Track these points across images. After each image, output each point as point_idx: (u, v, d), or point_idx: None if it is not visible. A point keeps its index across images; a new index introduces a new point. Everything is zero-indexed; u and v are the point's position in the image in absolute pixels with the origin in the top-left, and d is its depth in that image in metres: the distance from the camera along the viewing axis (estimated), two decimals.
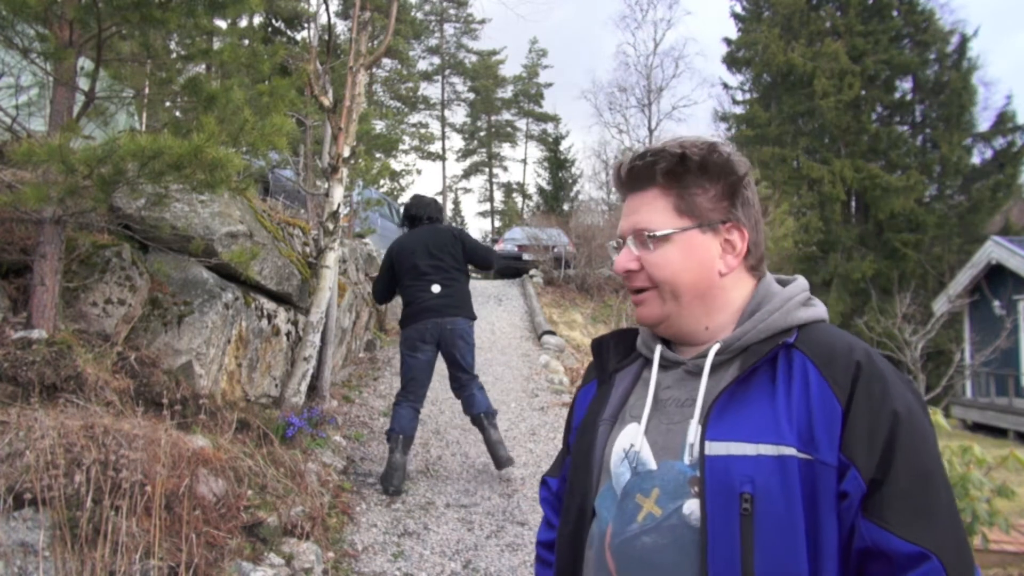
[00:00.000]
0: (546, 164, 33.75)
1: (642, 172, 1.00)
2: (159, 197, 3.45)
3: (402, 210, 4.71)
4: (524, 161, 39.03)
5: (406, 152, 32.03)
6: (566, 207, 29.18)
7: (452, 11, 35.78)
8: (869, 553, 0.82)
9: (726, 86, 24.55)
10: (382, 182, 16.40)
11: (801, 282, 1.02)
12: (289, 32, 19.96)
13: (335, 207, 5.05)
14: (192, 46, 4.14)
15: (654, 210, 0.98)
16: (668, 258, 0.97)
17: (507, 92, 37.57)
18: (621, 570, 0.91)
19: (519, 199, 37.79)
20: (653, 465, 0.93)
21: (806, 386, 0.88)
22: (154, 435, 2.72)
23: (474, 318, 4.54)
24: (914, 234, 19.53)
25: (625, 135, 31.08)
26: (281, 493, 3.27)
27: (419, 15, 33.17)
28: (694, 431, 0.90)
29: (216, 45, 4.56)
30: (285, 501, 3.22)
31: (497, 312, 10.75)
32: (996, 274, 15.16)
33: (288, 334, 4.70)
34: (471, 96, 37.31)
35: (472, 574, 3.31)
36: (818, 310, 0.99)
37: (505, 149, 39.93)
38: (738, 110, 24.06)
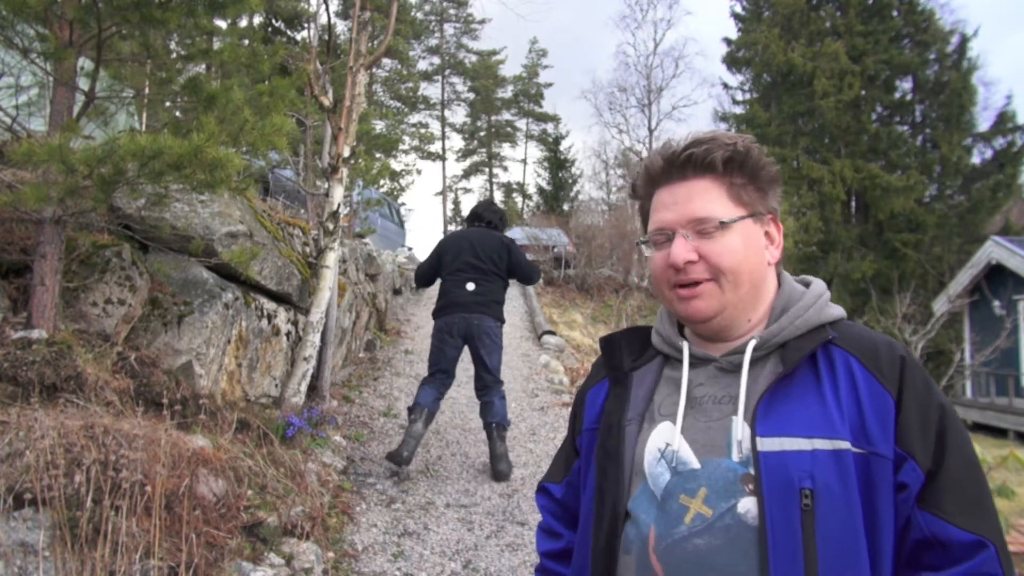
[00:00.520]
0: (546, 164, 33.76)
1: (699, 159, 0.96)
2: (159, 197, 3.45)
3: (470, 209, 5.01)
4: (524, 161, 39.05)
5: (406, 152, 32.05)
6: (566, 207, 29.19)
7: (452, 11, 35.79)
8: (926, 543, 0.83)
9: (726, 86, 24.56)
10: (382, 182, 16.41)
11: (821, 282, 1.03)
12: (289, 32, 19.96)
13: (335, 207, 5.05)
14: (192, 46, 4.14)
15: (711, 199, 0.96)
16: (733, 247, 0.95)
17: (507, 92, 37.58)
18: (671, 574, 0.88)
19: (519, 199, 37.80)
20: (696, 464, 0.91)
21: (852, 381, 0.88)
22: (154, 435, 2.72)
23: (502, 321, 4.68)
24: (914, 234, 19.52)
25: (625, 135, 31.16)
26: (281, 493, 3.27)
27: (419, 15, 33.17)
28: (741, 428, 0.89)
29: (216, 45, 4.56)
30: (285, 501, 3.22)
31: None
32: (996, 274, 15.16)
33: (288, 334, 4.70)
34: (471, 96, 37.32)
35: (472, 574, 3.31)
36: (841, 309, 1.00)
37: (505, 149, 39.96)
38: (738, 110, 24.05)
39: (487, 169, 38.55)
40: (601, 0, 62.59)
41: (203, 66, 6.85)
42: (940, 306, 15.38)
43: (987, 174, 19.70)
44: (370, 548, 3.45)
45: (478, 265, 4.55)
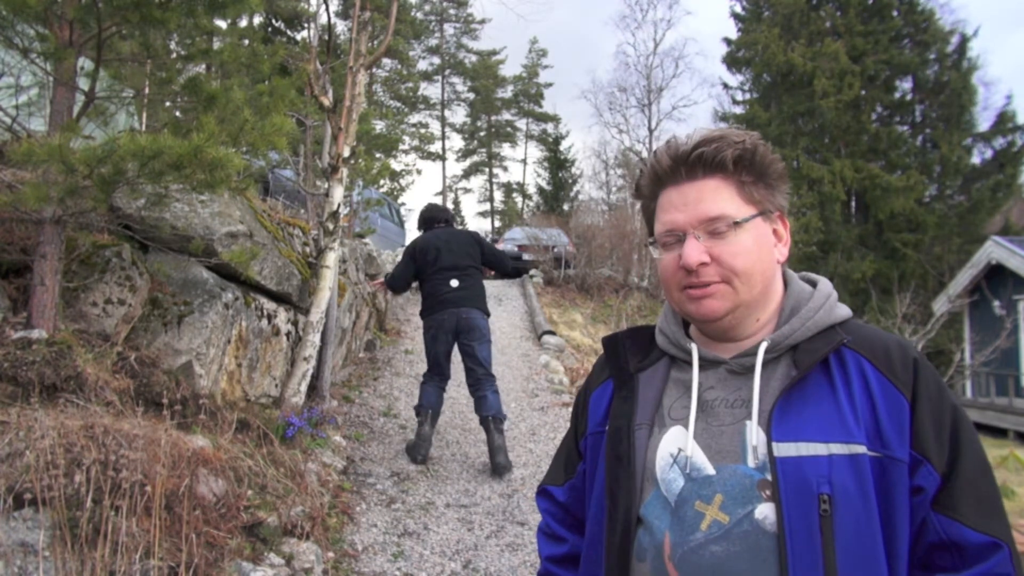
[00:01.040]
0: (546, 164, 33.76)
1: (709, 158, 0.94)
2: (159, 197, 3.45)
3: (419, 216, 5.23)
4: (524, 161, 39.03)
5: (406, 152, 32.02)
6: (566, 207, 29.19)
7: (452, 11, 35.78)
8: (941, 546, 0.83)
9: (726, 86, 24.54)
10: (382, 182, 16.41)
11: (828, 282, 1.02)
12: (289, 32, 19.95)
13: (335, 207, 5.05)
14: (192, 46, 4.14)
15: (722, 198, 0.94)
16: (745, 246, 0.93)
17: (507, 92, 37.56)
18: None
19: (519, 199, 37.80)
20: (711, 470, 0.89)
21: (865, 384, 0.88)
22: (154, 435, 2.72)
23: (488, 314, 4.90)
24: (914, 234, 19.51)
25: (625, 135, 31.13)
26: (281, 493, 3.27)
27: (419, 15, 33.17)
28: (755, 433, 0.88)
29: (216, 45, 4.56)
30: (285, 501, 3.22)
31: (497, 312, 10.74)
32: (996, 274, 15.16)
33: (288, 334, 4.70)
34: (471, 96, 37.31)
35: (472, 574, 3.31)
36: (848, 309, 0.99)
37: (505, 149, 39.95)
38: (738, 110, 24.03)
39: (487, 169, 38.56)
40: (601, 0, 62.61)
41: (203, 66, 6.85)
42: (940, 306, 15.38)
43: (987, 174, 19.69)
44: (370, 548, 3.45)
45: (456, 263, 4.77)
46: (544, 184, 33.40)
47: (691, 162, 0.95)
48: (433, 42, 35.77)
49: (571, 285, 14.03)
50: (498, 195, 38.43)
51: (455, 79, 37.19)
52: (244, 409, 3.94)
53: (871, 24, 20.61)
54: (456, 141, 42.53)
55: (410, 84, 32.07)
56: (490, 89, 36.04)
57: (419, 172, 45.78)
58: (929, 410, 0.86)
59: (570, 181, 32.78)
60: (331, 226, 5.01)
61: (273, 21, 19.57)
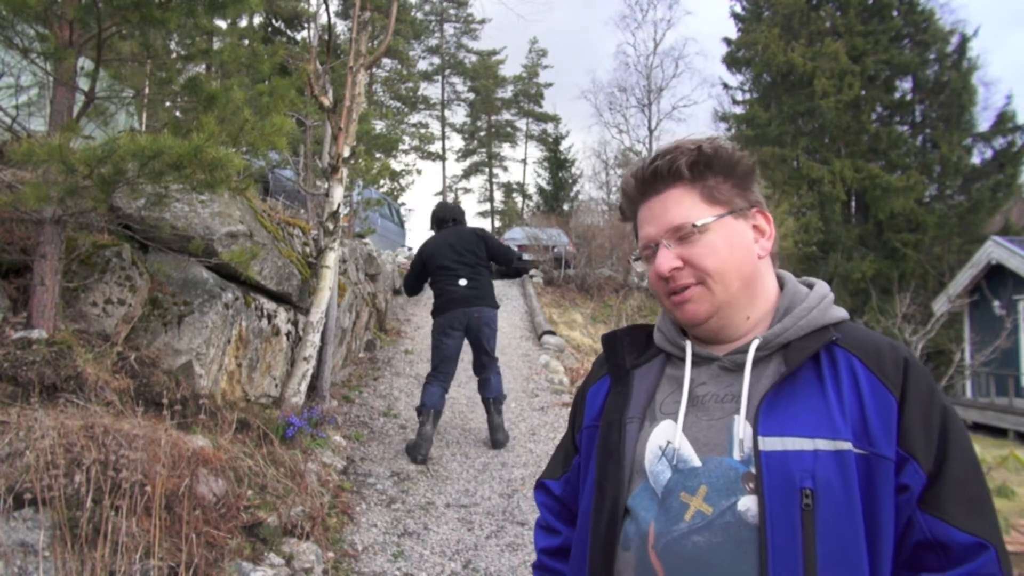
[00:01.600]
0: (546, 164, 33.75)
1: (664, 170, 0.99)
2: (159, 197, 3.45)
3: (430, 216, 5.41)
4: (524, 161, 39.02)
5: (406, 152, 32.03)
6: (566, 207, 29.18)
7: (452, 11, 35.78)
8: (926, 545, 0.83)
9: (726, 86, 24.55)
10: (382, 182, 16.40)
11: (825, 284, 1.04)
12: (289, 32, 19.96)
13: (335, 207, 5.05)
14: (192, 46, 4.14)
15: (684, 205, 0.98)
16: (714, 247, 0.96)
17: (507, 92, 37.56)
18: (670, 571, 0.88)
19: (519, 199, 37.79)
20: (697, 462, 0.91)
21: (855, 382, 0.89)
22: (154, 435, 2.72)
23: (497, 306, 5.11)
24: (914, 234, 19.52)
25: (625, 135, 31.16)
26: (281, 493, 3.27)
27: (419, 15, 33.17)
28: (743, 427, 0.89)
29: (216, 45, 4.56)
30: (285, 501, 3.22)
31: (497, 312, 10.74)
32: (996, 274, 15.16)
33: (288, 334, 4.70)
34: (471, 96, 37.31)
35: (472, 574, 3.31)
36: (844, 311, 1.00)
37: (505, 149, 39.92)
38: (738, 110, 24.04)
39: (487, 169, 38.55)
40: (601, 0, 62.59)
41: (203, 66, 6.86)
42: (940, 306, 15.38)
43: (987, 174, 19.69)
44: (370, 548, 3.45)
45: (464, 261, 4.94)
46: (544, 184, 33.41)
47: (650, 178, 1.00)
48: (433, 42, 35.78)
49: (571, 285, 14.04)
50: (498, 195, 38.45)
51: (455, 79, 37.22)
52: (244, 409, 3.94)
53: (871, 24, 20.61)
54: (456, 141, 42.57)
55: (410, 84, 32.07)
56: (490, 89, 36.05)
57: (419, 172, 45.76)
58: (917, 409, 0.86)
59: (570, 181, 32.79)
60: (331, 226, 5.01)
61: (273, 21, 19.58)
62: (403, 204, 25.33)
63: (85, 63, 3.48)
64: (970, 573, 0.81)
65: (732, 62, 23.83)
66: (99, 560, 2.24)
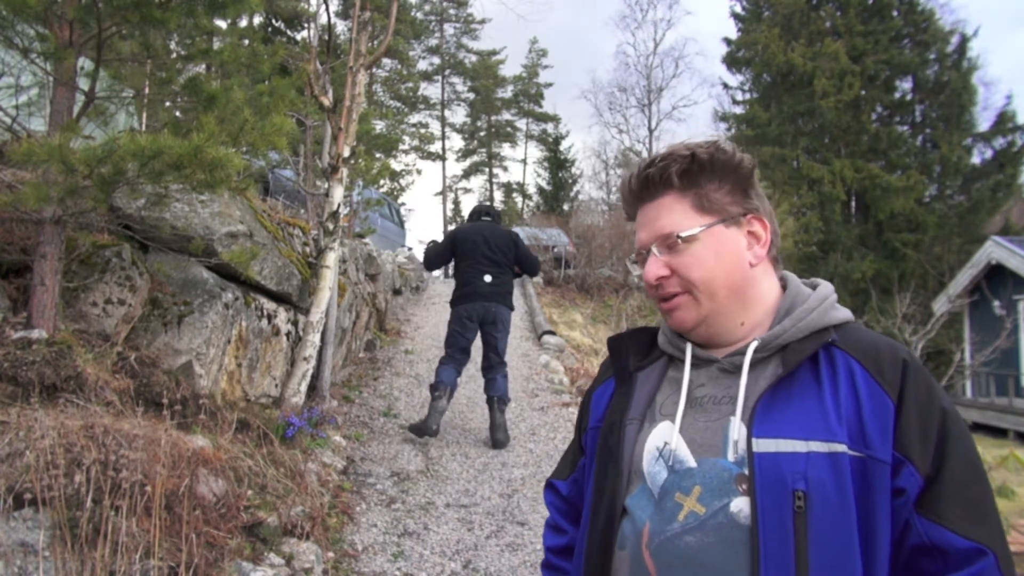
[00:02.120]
0: (546, 164, 33.74)
1: (655, 178, 0.99)
2: (159, 197, 3.45)
3: (470, 210, 5.72)
4: (524, 161, 39.01)
5: (406, 152, 32.02)
6: (566, 207, 29.18)
7: (452, 11, 35.77)
8: (923, 549, 0.82)
9: (726, 86, 24.55)
10: (382, 182, 16.40)
11: (829, 285, 1.03)
12: (289, 32, 19.95)
13: (335, 207, 5.05)
14: (192, 46, 4.14)
15: (674, 213, 0.98)
16: (699, 257, 0.97)
17: (507, 92, 37.55)
18: (662, 571, 0.89)
19: (519, 199, 37.78)
20: (692, 463, 0.92)
21: (852, 384, 0.88)
22: (154, 435, 2.72)
23: (512, 308, 5.31)
24: (914, 234, 19.52)
25: (625, 135, 31.16)
26: (281, 493, 3.27)
27: (419, 15, 33.16)
28: (737, 428, 0.89)
29: (216, 45, 4.56)
30: (285, 501, 3.22)
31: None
32: (996, 274, 15.16)
33: (288, 334, 4.70)
34: (471, 96, 37.30)
35: (472, 574, 3.31)
36: (847, 312, 0.99)
37: (505, 149, 39.90)
38: (738, 110, 24.04)
39: (487, 169, 38.54)
40: (601, 0, 62.59)
41: (203, 66, 6.85)
42: (940, 306, 15.38)
43: (987, 174, 19.69)
44: (370, 548, 3.45)
45: (493, 258, 5.12)
46: (544, 184, 33.41)
47: (643, 184, 1.01)
48: (433, 42, 35.77)
49: (571, 285, 14.04)
50: (498, 195, 38.42)
51: (455, 79, 37.20)
52: (244, 409, 3.94)
53: (871, 24, 20.61)
54: (456, 141, 42.54)
55: (410, 84, 32.06)
56: (490, 89, 36.04)
57: (419, 172, 45.76)
58: (914, 412, 0.85)
59: (570, 181, 32.78)
60: (331, 226, 5.01)
61: (273, 21, 19.58)
62: (403, 204, 25.34)
63: (85, 63, 3.48)
64: None
65: (732, 62, 23.83)
66: (99, 560, 2.24)
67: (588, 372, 7.53)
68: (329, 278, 4.92)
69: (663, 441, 0.96)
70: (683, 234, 0.96)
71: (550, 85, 39.10)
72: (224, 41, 4.64)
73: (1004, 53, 51.26)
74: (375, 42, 7.18)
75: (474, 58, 36.61)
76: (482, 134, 38.17)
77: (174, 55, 4.26)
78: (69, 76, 3.30)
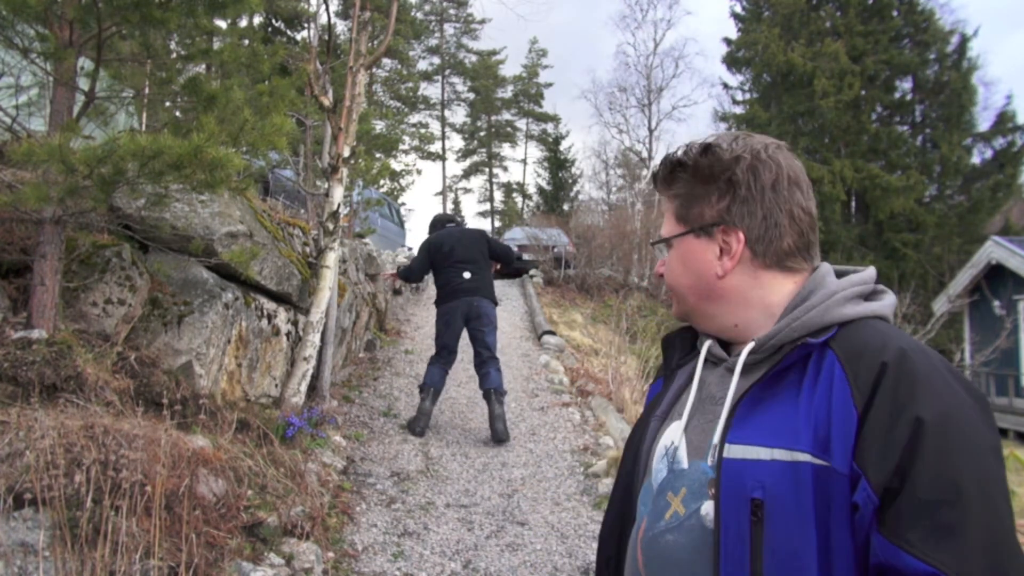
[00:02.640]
0: (546, 164, 33.74)
1: (657, 179, 1.06)
2: (159, 197, 3.45)
3: (430, 223, 6.00)
4: (524, 161, 39.02)
5: (406, 152, 32.01)
6: (566, 207, 29.17)
7: (452, 11, 35.79)
8: (883, 570, 0.76)
9: (726, 86, 24.54)
10: (382, 182, 16.39)
11: (863, 275, 0.95)
12: (289, 32, 19.96)
13: (335, 207, 5.05)
14: (192, 46, 4.14)
15: (665, 216, 1.04)
16: (671, 264, 1.03)
17: (507, 92, 37.56)
18: (647, 565, 0.93)
19: (519, 199, 37.79)
20: (685, 464, 0.93)
21: (829, 388, 0.82)
22: (154, 435, 2.72)
23: (496, 303, 5.51)
24: (914, 234, 19.52)
25: (625, 135, 31.04)
26: (281, 493, 3.27)
27: (419, 15, 33.16)
28: (718, 432, 0.89)
29: (216, 45, 4.56)
30: (285, 501, 3.22)
31: (497, 312, 10.74)
32: (996, 274, 15.15)
33: (288, 334, 4.70)
34: (471, 96, 37.31)
35: (472, 574, 3.31)
36: (874, 305, 0.91)
37: (505, 149, 39.94)
38: (738, 110, 24.03)
39: (487, 169, 38.55)
40: (601, 0, 62.59)
41: (203, 66, 6.85)
42: (940, 306, 15.38)
43: (987, 174, 19.69)
44: (370, 548, 3.45)
45: (468, 257, 5.38)
46: (544, 184, 33.41)
47: (655, 184, 1.08)
48: (433, 42, 35.77)
49: (571, 285, 14.04)
50: (498, 195, 38.45)
51: (455, 79, 37.22)
52: (244, 409, 3.94)
53: (871, 24, 20.61)
54: (456, 141, 42.54)
55: (410, 84, 32.06)
56: (490, 89, 36.04)
57: (419, 172, 45.72)
58: (880, 421, 0.77)
59: (570, 181, 32.78)
60: (331, 226, 5.01)
61: (273, 21, 19.58)
62: (403, 204, 25.34)
63: (85, 63, 3.48)
64: None
65: (732, 62, 23.83)
66: (99, 560, 2.24)
67: (588, 372, 7.53)
68: (329, 278, 4.92)
69: (671, 440, 0.98)
70: (655, 240, 1.05)
71: (550, 85, 39.15)
72: (224, 41, 4.64)
73: (1004, 53, 51.32)
74: (375, 42, 7.18)
75: (474, 58, 36.63)
76: (482, 134, 38.17)
77: (174, 55, 4.26)
78: (69, 76, 3.30)
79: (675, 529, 0.90)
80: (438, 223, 5.80)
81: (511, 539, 3.69)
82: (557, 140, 34.29)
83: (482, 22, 35.73)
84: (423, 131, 33.74)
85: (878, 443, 0.77)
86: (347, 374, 6.39)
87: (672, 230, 1.02)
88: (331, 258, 4.96)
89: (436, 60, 36.02)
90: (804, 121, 21.46)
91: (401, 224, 15.94)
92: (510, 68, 45.22)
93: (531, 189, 36.53)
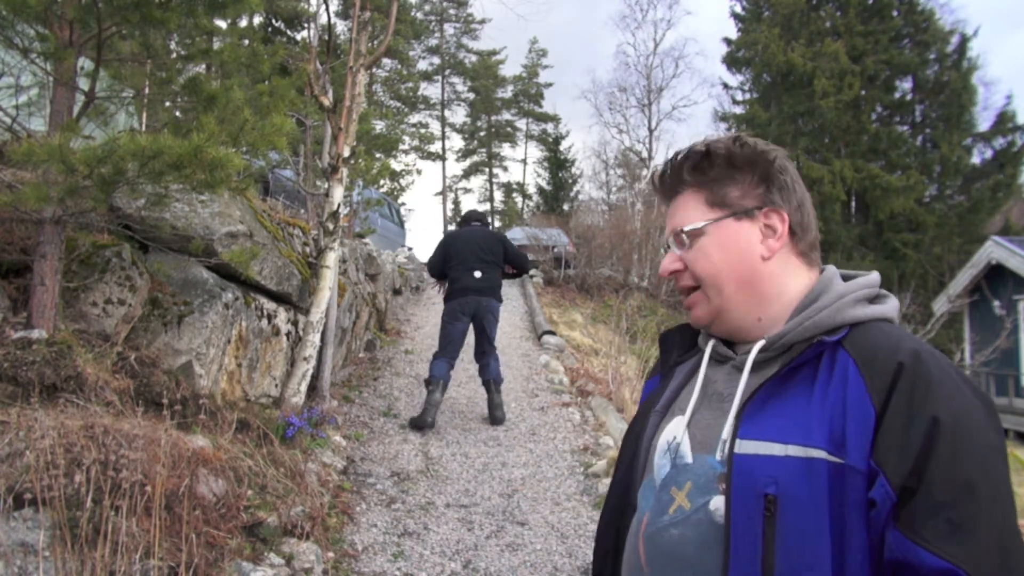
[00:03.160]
0: (546, 164, 33.74)
1: (674, 175, 1.02)
2: (159, 197, 3.45)
3: (461, 216, 6.27)
4: (524, 161, 39.01)
5: (406, 152, 32.01)
6: (566, 207, 29.16)
7: (452, 11, 35.78)
8: (899, 566, 0.78)
9: (726, 86, 24.53)
10: (382, 182, 16.40)
11: (869, 278, 0.97)
12: (289, 32, 19.96)
13: (335, 207, 5.05)
14: (192, 46, 4.14)
15: (688, 209, 1.00)
16: (706, 251, 0.98)
17: (507, 92, 37.56)
18: (649, 559, 0.92)
19: (519, 199, 37.79)
20: (690, 459, 0.93)
21: (844, 387, 0.84)
22: (154, 435, 2.72)
23: (501, 300, 5.77)
24: (914, 234, 19.52)
25: (625, 135, 31.04)
26: (281, 493, 3.27)
27: (419, 15, 33.17)
28: (728, 428, 0.90)
29: (216, 45, 4.56)
30: (285, 501, 3.22)
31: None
32: (996, 274, 15.15)
33: (288, 334, 4.70)
34: (471, 96, 37.30)
35: (472, 574, 3.31)
36: (880, 308, 0.93)
37: (505, 149, 39.93)
38: (738, 110, 24.03)
39: (487, 169, 38.55)
40: (601, 0, 62.60)
41: (203, 66, 6.85)
42: (940, 306, 15.38)
43: (987, 174, 19.69)
44: (370, 548, 3.45)
45: (482, 257, 5.56)
46: (544, 184, 33.40)
47: (664, 181, 1.05)
48: (433, 42, 35.77)
49: (571, 285, 14.04)
50: (498, 195, 38.45)
51: (455, 79, 37.21)
52: (244, 409, 3.94)
53: (871, 24, 20.61)
54: (456, 141, 42.54)
55: (410, 84, 32.07)
56: (490, 89, 36.04)
57: (419, 172, 45.76)
58: (898, 420, 0.79)
59: (570, 181, 32.77)
60: (331, 226, 5.01)
61: (273, 21, 19.58)
62: (403, 204, 25.35)
63: (85, 63, 3.48)
64: None
65: (732, 62, 23.83)
66: (99, 560, 2.24)
67: (588, 372, 7.53)
68: (329, 278, 4.92)
69: (673, 435, 0.98)
70: (686, 228, 0.99)
71: (550, 85, 39.14)
72: (224, 41, 4.64)
73: (1004, 53, 51.32)
74: (375, 42, 7.19)
75: (474, 58, 36.63)
76: (482, 134, 38.17)
77: (174, 55, 4.26)
78: (69, 76, 3.30)
79: (680, 523, 0.89)
80: (465, 219, 6.04)
81: (511, 539, 3.69)
82: (557, 140, 34.29)
83: (482, 22, 35.76)
84: (423, 131, 33.76)
85: (896, 441, 0.79)
86: (347, 374, 6.40)
87: (705, 216, 0.98)
88: (331, 258, 4.96)
89: (436, 60, 36.03)
90: (804, 121, 21.46)
91: (401, 224, 15.94)
92: (510, 68, 45.22)
93: (531, 189, 36.56)
